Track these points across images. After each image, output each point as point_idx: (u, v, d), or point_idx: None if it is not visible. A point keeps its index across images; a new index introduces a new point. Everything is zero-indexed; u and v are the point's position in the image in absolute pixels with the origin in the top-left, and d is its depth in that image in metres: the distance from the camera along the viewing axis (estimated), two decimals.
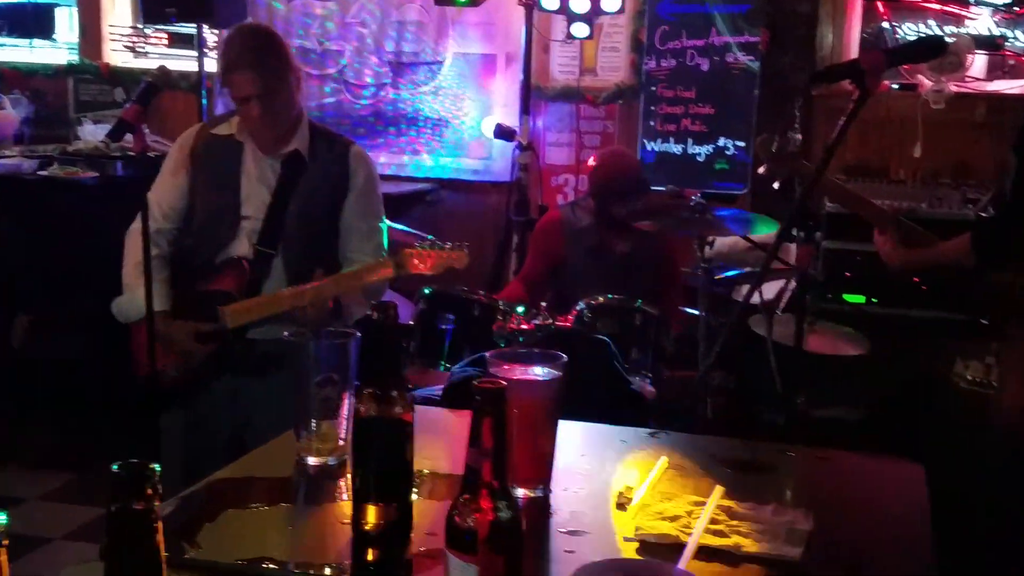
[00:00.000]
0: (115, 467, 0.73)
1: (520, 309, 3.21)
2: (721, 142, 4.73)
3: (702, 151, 4.79)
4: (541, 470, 1.33)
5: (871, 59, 1.92)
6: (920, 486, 1.39)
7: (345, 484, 1.35)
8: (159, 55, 5.33)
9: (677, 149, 4.83)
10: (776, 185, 2.47)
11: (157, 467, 0.73)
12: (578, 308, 3.24)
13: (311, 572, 1.13)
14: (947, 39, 4.08)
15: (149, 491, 0.72)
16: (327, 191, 2.64)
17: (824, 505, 1.27)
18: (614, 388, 2.27)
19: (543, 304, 3.31)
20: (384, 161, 5.10)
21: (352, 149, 2.70)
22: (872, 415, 3.71)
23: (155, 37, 5.36)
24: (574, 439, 1.58)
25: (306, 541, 1.27)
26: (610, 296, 3.26)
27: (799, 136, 2.50)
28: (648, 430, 1.64)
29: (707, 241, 3.36)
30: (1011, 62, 4.15)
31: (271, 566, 1.14)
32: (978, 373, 3.21)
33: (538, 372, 1.33)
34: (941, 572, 1.11)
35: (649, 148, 4.88)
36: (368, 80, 5.22)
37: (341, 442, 1.43)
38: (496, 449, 0.93)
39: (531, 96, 4.65)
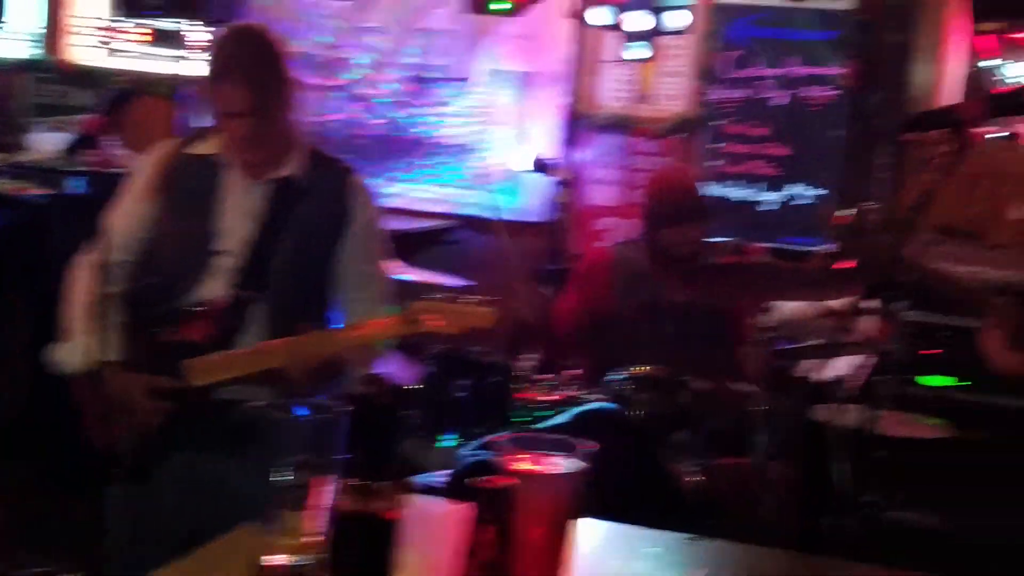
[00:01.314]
0: None
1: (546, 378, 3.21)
2: (796, 189, 4.72)
3: (773, 198, 4.78)
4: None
5: (972, 107, 1.92)
6: None
7: None
8: (139, 54, 5.25)
9: (744, 195, 4.83)
10: (836, 263, 2.45)
11: None
12: (615, 379, 3.22)
13: None
14: None
15: None
16: (324, 226, 2.61)
17: None
18: (649, 480, 2.25)
19: (574, 372, 3.31)
20: (397, 191, 5.11)
21: (352, 178, 2.68)
22: (965, 523, 3.63)
23: (136, 32, 5.26)
24: (594, 542, 1.55)
25: None
26: (654, 366, 3.24)
27: (876, 206, 2.48)
28: (686, 535, 1.61)
29: (767, 306, 3.33)
30: None
31: None
32: None
33: (557, 463, 1.32)
34: None
35: (710, 191, 4.88)
36: (383, 95, 5.24)
37: (314, 539, 1.41)
38: (497, 562, 0.91)
39: (575, 124, 4.67)
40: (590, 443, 1.34)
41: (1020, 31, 4.12)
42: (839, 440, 3.12)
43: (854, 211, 2.49)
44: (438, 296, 2.55)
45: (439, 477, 2.49)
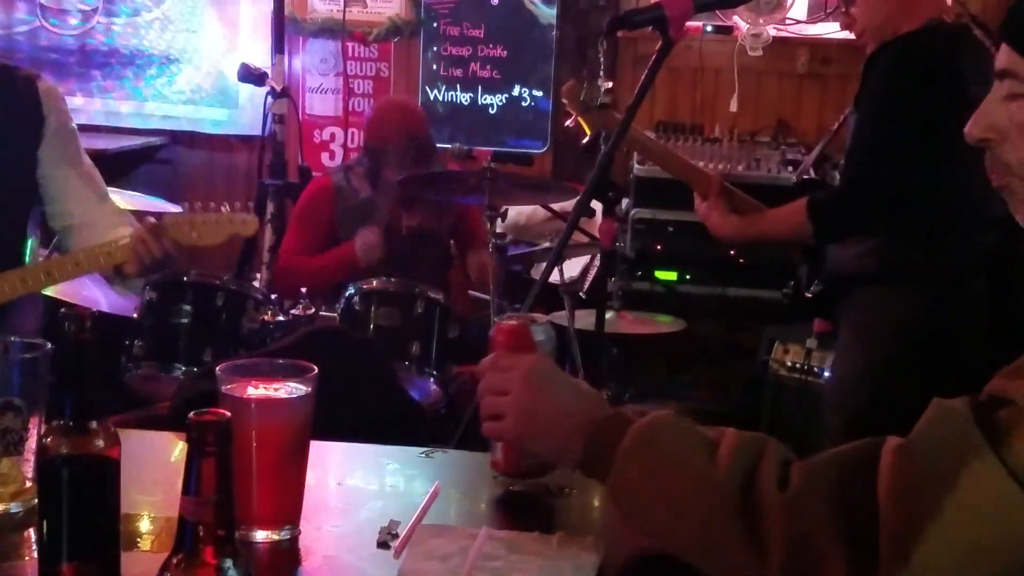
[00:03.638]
0: None
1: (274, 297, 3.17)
2: (517, 91, 4.81)
3: (495, 101, 4.86)
4: (287, 508, 1.32)
5: (677, 4, 1.98)
6: None
7: (32, 538, 1.28)
8: None
9: (466, 98, 4.88)
10: (585, 141, 2.53)
11: None
12: (347, 295, 3.22)
13: None
14: None
15: None
16: (13, 137, 2.51)
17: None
18: (384, 397, 2.28)
19: (303, 290, 3.28)
20: (98, 109, 4.86)
21: (40, 84, 2.58)
22: (688, 411, 3.90)
23: None
24: (331, 464, 1.57)
25: None
26: (385, 279, 3.27)
27: (609, 84, 2.57)
28: (421, 449, 1.64)
29: (499, 212, 3.41)
30: (836, 2, 4.43)
31: None
32: (798, 358, 3.45)
33: (283, 387, 1.31)
34: None
35: (432, 96, 4.90)
36: (74, 4, 4.94)
37: (28, 484, 1.35)
38: (219, 497, 0.90)
39: (285, 30, 4.56)
40: (316, 364, 1.34)
41: None
42: (576, 340, 3.26)
43: (585, 83, 2.56)
44: (190, 209, 2.50)
45: (161, 409, 2.43)
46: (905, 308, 2.37)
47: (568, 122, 2.61)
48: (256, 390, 1.30)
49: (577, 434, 1.23)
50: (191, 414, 0.91)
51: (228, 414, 0.92)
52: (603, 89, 2.59)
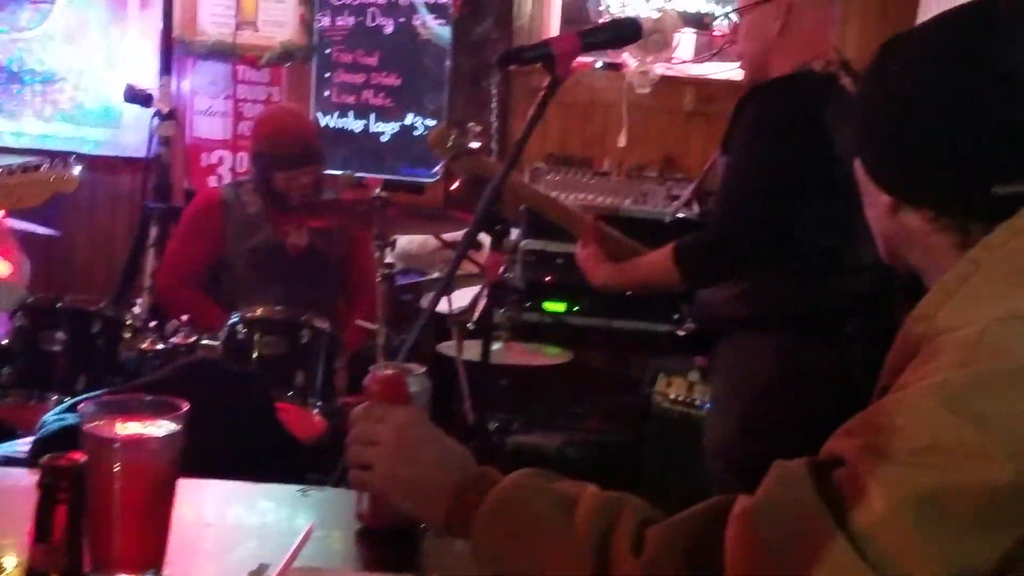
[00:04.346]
0: None
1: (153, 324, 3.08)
2: (409, 119, 4.79)
3: (387, 129, 4.82)
4: (149, 551, 1.25)
5: (565, 42, 1.98)
6: None
7: None
8: None
9: (358, 125, 4.84)
10: (454, 187, 2.52)
11: None
12: (231, 323, 3.15)
13: None
14: (653, 16, 4.39)
15: None
16: None
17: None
18: (262, 431, 2.22)
19: (184, 317, 3.20)
20: None
21: None
22: (575, 441, 3.91)
23: None
24: (205, 502, 1.51)
25: None
26: (271, 307, 3.20)
27: (478, 128, 2.55)
28: (297, 487, 1.59)
29: (389, 242, 3.37)
30: (722, 43, 4.52)
31: None
32: (681, 390, 3.48)
33: (151, 424, 1.26)
34: None
35: (324, 122, 4.85)
36: None
37: None
38: (69, 544, 0.85)
39: (174, 52, 4.47)
40: (190, 399, 1.29)
41: None
42: (463, 371, 3.24)
43: (453, 129, 2.54)
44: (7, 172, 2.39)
45: (23, 445, 2.32)
46: (777, 356, 2.36)
47: (436, 168, 2.60)
48: (121, 428, 1.24)
49: (441, 496, 1.22)
50: (44, 458, 0.86)
51: (82, 459, 0.87)
52: (471, 133, 2.57)
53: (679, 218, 3.53)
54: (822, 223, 2.30)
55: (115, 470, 1.21)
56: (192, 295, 3.64)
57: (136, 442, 1.24)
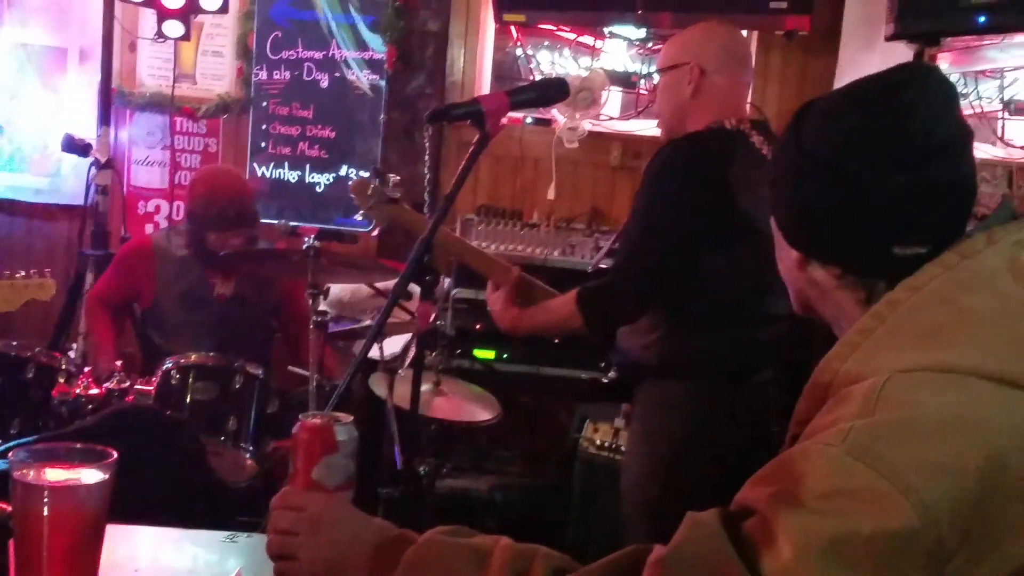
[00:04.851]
0: None
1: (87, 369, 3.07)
2: (344, 170, 4.82)
3: (322, 180, 4.85)
4: None
5: (493, 101, 2.01)
6: None
7: None
8: None
9: (293, 176, 4.87)
10: (375, 232, 2.55)
11: None
12: (164, 368, 3.15)
13: None
14: (582, 74, 4.48)
15: None
16: None
17: None
18: (191, 476, 2.22)
19: (119, 364, 3.19)
20: None
21: None
22: (503, 486, 3.93)
23: None
24: (133, 548, 1.52)
25: None
26: (204, 353, 3.21)
27: (397, 178, 2.59)
28: (225, 533, 1.61)
29: (322, 290, 3.39)
30: (647, 102, 4.63)
31: None
32: (607, 437, 3.53)
33: (77, 474, 1.27)
34: None
35: (260, 173, 4.87)
36: None
37: None
38: None
39: (113, 103, 4.46)
40: (121, 445, 1.31)
41: (540, 23, 4.47)
42: (393, 417, 3.25)
43: (374, 179, 2.57)
44: None
45: None
46: (689, 403, 2.40)
47: (357, 215, 2.64)
48: (49, 475, 1.26)
49: (361, 562, 1.23)
50: None
51: (8, 509, 0.89)
52: (392, 184, 2.61)
53: (601, 268, 3.59)
54: (725, 273, 2.36)
55: (43, 516, 1.23)
56: (101, 319, 3.66)
57: (64, 489, 1.26)
